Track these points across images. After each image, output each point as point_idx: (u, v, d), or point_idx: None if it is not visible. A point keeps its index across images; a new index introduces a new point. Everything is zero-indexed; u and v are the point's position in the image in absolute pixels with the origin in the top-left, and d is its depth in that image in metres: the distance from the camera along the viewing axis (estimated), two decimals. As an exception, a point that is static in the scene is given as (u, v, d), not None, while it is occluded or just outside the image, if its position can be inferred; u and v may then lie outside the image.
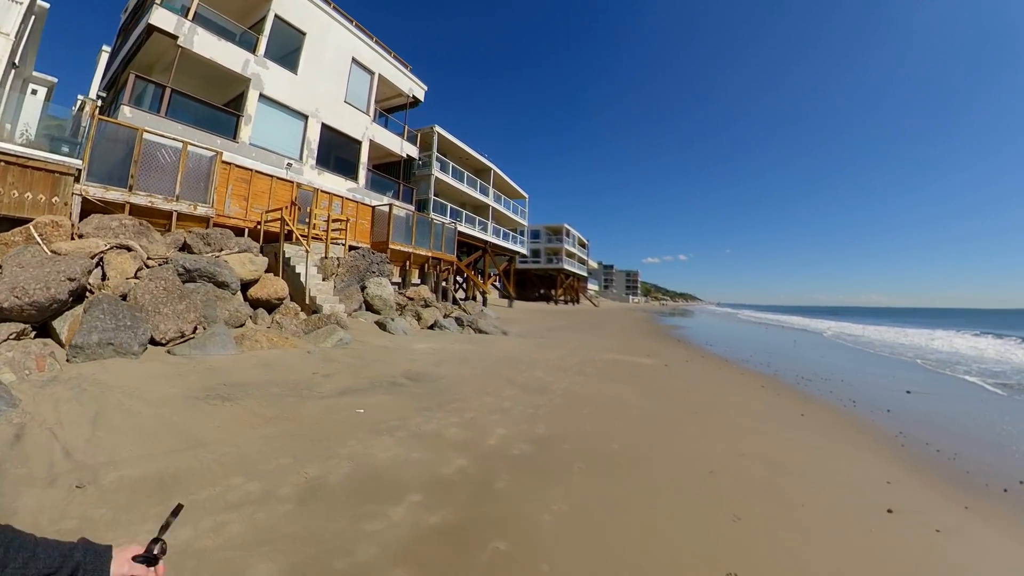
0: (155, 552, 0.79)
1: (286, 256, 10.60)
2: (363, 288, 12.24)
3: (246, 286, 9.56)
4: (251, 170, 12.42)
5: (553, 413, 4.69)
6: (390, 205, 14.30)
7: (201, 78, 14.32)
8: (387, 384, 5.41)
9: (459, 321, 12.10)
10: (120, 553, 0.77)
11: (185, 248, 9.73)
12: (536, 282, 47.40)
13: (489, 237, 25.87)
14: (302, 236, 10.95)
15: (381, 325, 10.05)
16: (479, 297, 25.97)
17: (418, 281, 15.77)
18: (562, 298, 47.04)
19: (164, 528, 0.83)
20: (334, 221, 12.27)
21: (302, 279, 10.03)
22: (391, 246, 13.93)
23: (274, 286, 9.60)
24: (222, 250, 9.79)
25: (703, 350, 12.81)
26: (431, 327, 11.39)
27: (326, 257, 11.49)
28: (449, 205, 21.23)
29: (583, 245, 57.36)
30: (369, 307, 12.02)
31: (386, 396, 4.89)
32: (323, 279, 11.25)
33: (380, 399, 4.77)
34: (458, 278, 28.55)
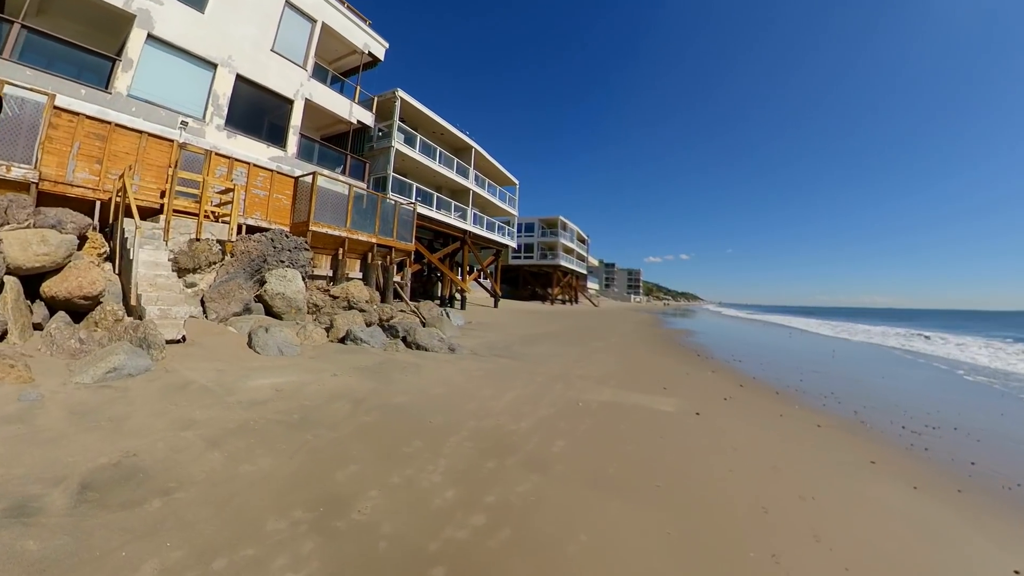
0: None
1: (124, 237, 7.19)
2: (261, 283, 8.84)
3: (38, 277, 6.21)
4: (110, 123, 9.01)
5: None
6: (313, 174, 10.78)
7: (85, 21, 11.07)
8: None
9: (392, 331, 8.64)
10: None
11: (-48, 222, 6.39)
12: (530, 279, 43.75)
13: (469, 226, 22.30)
14: (148, 209, 7.55)
15: (250, 339, 6.62)
16: (459, 296, 22.51)
17: (360, 275, 12.31)
18: (559, 297, 43.41)
19: None
20: (222, 192, 8.84)
21: (133, 269, 6.62)
22: (313, 227, 10.42)
23: (79, 279, 6.18)
24: (5, 224, 6.42)
25: (733, 370, 9.34)
26: (342, 339, 7.94)
27: (197, 239, 8.06)
28: (416, 185, 17.65)
29: (583, 241, 53.50)
30: (268, 310, 8.60)
31: None
32: (189, 269, 7.83)
33: None
34: (436, 274, 25.12)
